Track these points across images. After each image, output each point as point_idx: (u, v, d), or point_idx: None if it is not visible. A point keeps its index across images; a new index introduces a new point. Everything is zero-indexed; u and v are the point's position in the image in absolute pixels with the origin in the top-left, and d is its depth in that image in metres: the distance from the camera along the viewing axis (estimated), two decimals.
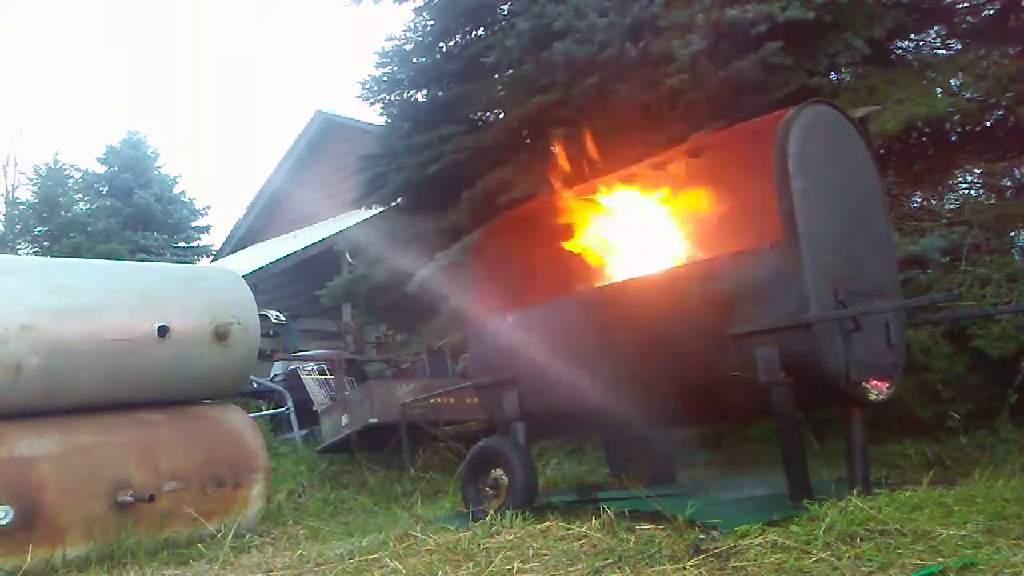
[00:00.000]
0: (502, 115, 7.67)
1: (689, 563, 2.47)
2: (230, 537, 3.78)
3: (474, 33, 8.08)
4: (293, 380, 8.80)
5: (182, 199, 23.36)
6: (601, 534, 2.86)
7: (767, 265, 3.13)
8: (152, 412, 4.20)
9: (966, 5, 6.04)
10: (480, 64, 7.18)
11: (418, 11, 8.13)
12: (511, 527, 3.12)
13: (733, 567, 2.41)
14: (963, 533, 2.43)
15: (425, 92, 8.40)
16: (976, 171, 5.62)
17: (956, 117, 5.32)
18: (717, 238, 3.60)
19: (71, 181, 22.10)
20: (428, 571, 2.68)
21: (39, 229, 20.37)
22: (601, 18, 5.76)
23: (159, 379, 4.19)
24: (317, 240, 14.11)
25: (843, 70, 5.81)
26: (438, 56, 8.12)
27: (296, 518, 4.74)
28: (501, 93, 7.43)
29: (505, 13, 7.79)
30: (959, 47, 5.93)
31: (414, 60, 8.21)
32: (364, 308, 9.29)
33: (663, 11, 5.58)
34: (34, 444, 3.68)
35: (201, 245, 23.22)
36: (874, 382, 3.15)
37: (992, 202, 5.40)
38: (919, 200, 5.62)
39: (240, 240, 19.17)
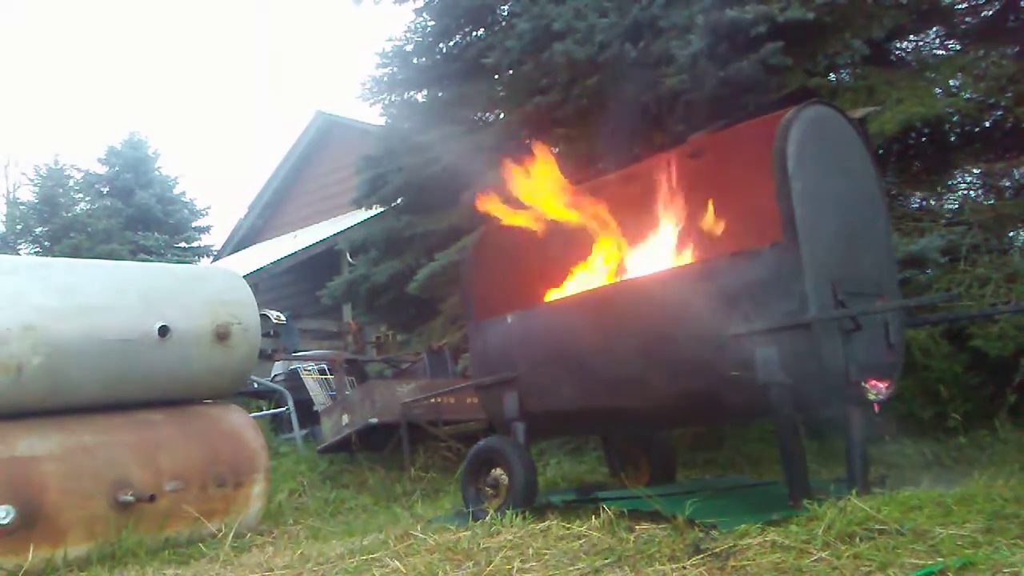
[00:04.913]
0: (502, 115, 7.67)
1: (689, 563, 2.48)
2: (231, 536, 3.80)
3: (474, 33, 8.07)
4: (293, 380, 8.79)
5: (182, 199, 23.31)
6: (601, 534, 2.87)
7: (767, 265, 3.14)
8: (153, 412, 4.21)
9: (965, 5, 6.05)
10: (480, 64, 7.18)
11: (418, 11, 8.14)
12: (511, 527, 3.13)
13: (733, 567, 2.42)
14: (962, 533, 2.44)
15: (425, 92, 8.40)
16: (975, 171, 5.62)
17: (955, 117, 5.33)
18: (717, 238, 3.60)
19: (72, 181, 22.06)
20: (428, 571, 2.69)
21: (40, 229, 20.34)
22: (601, 19, 5.76)
23: (160, 379, 4.20)
24: (317, 240, 14.11)
25: (842, 70, 5.82)
26: (438, 56, 8.12)
27: (297, 518, 4.75)
28: (501, 93, 7.43)
29: (505, 13, 7.79)
30: (958, 47, 5.93)
31: (414, 60, 8.21)
32: (364, 308, 9.30)
33: (663, 12, 5.58)
34: (35, 444, 3.69)
35: (201, 245, 23.18)
36: (873, 382, 3.15)
37: (991, 202, 5.41)
38: (918, 200, 5.63)
39: (240, 240, 19.18)
